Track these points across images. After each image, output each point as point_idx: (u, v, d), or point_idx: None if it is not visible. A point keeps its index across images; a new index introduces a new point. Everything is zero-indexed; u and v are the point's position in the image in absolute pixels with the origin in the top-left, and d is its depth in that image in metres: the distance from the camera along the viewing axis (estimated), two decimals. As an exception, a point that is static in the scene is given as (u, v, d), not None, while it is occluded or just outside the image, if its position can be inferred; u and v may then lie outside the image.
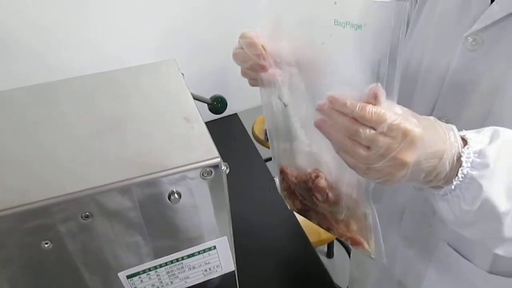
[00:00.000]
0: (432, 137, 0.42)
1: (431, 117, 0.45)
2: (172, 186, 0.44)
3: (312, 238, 0.97)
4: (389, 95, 0.41)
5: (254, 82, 0.59)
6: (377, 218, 0.53)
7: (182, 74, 0.63)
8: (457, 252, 0.66)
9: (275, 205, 0.95)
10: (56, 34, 1.04)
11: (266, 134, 1.78)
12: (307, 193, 0.61)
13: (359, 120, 0.41)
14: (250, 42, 0.52)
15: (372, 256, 0.58)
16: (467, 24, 0.53)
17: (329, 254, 1.91)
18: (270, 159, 2.35)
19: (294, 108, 0.55)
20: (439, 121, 0.45)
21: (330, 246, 1.90)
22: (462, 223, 0.47)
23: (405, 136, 0.40)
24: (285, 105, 0.56)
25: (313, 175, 0.58)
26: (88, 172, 0.44)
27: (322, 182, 0.57)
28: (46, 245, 0.43)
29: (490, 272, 0.63)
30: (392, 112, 0.40)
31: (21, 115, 0.54)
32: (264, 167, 1.08)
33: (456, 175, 0.44)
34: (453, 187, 0.44)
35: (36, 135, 0.50)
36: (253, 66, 0.54)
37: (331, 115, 0.43)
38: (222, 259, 0.53)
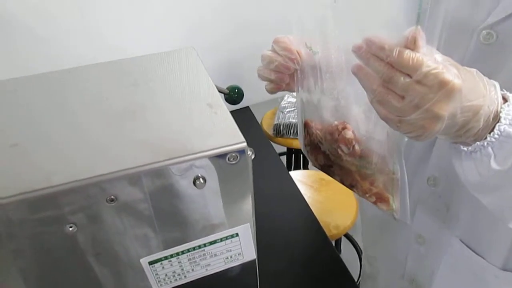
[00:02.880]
0: (471, 90, 0.41)
1: (473, 69, 0.43)
2: (198, 170, 0.44)
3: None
4: (429, 40, 0.39)
5: (273, 86, 0.59)
6: (405, 176, 0.52)
7: (201, 61, 0.63)
8: (470, 248, 0.65)
9: (290, 198, 0.95)
10: (66, 26, 1.04)
11: (274, 130, 1.77)
12: (332, 145, 0.59)
13: (395, 66, 0.39)
14: (285, 46, 0.55)
15: (396, 215, 0.56)
16: (481, 17, 0.52)
17: (337, 250, 1.90)
18: (281, 154, 2.34)
19: (324, 57, 0.53)
20: (480, 74, 0.43)
21: (338, 242, 1.89)
22: (485, 187, 0.46)
23: (443, 87, 0.38)
24: (315, 53, 0.54)
25: (339, 127, 0.56)
26: (113, 156, 0.43)
27: (349, 134, 0.55)
28: (70, 229, 0.43)
29: (503, 269, 0.62)
30: (431, 59, 0.38)
31: (46, 101, 0.54)
32: (278, 160, 1.08)
33: (492, 131, 0.42)
34: (485, 143, 0.43)
35: (60, 119, 0.50)
36: (279, 66, 0.56)
37: (367, 59, 0.41)
38: (244, 246, 0.52)
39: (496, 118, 0.42)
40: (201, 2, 1.14)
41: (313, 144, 0.65)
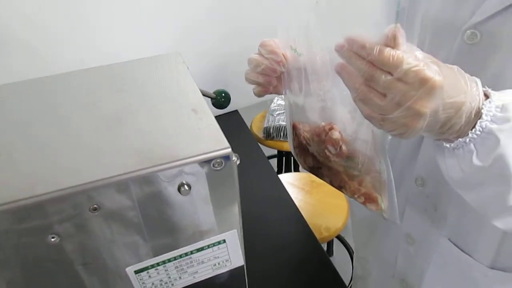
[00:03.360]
0: (452, 86, 0.41)
1: (455, 66, 0.43)
2: (182, 177, 0.43)
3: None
4: (409, 38, 0.39)
5: (260, 89, 0.59)
6: (391, 175, 0.52)
7: (187, 67, 0.62)
8: (458, 247, 0.66)
9: (280, 201, 0.94)
10: (55, 32, 1.03)
11: (264, 133, 1.77)
12: (319, 146, 0.59)
13: (376, 64, 0.39)
14: (271, 49, 0.55)
15: (385, 215, 0.56)
16: (465, 17, 0.52)
17: (329, 252, 1.90)
18: (272, 156, 2.33)
19: (309, 59, 0.54)
20: (462, 71, 0.43)
21: (330, 245, 1.89)
22: (468, 184, 0.46)
23: (423, 84, 0.38)
24: (300, 55, 0.54)
25: (326, 127, 0.56)
26: (96, 164, 0.43)
27: (335, 134, 0.55)
28: (53, 239, 0.42)
29: (492, 268, 0.62)
30: (411, 56, 0.38)
31: (30, 110, 0.53)
32: (267, 164, 1.07)
33: (473, 127, 0.42)
34: (467, 140, 0.43)
35: (44, 127, 0.49)
36: (265, 69, 0.56)
37: (349, 58, 0.41)
38: (231, 253, 0.52)
39: (478, 115, 0.42)
40: (189, 8, 1.14)
41: (302, 146, 0.65)
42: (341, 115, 0.54)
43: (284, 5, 0.54)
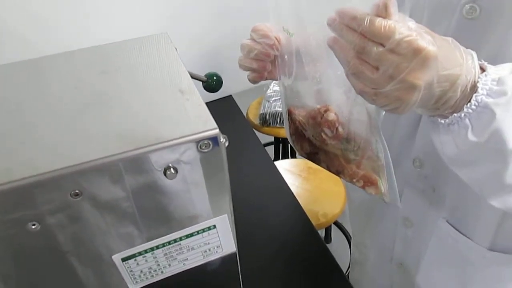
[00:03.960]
0: (447, 58, 0.39)
1: (449, 38, 0.41)
2: (168, 160, 0.41)
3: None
4: (401, 6, 0.37)
5: (255, 75, 0.58)
6: (389, 156, 0.50)
7: (175, 48, 0.60)
8: (457, 229, 0.65)
9: (276, 188, 0.93)
10: (44, 17, 1.00)
11: (261, 119, 1.75)
12: (315, 130, 0.58)
13: (367, 35, 0.37)
14: (263, 33, 0.54)
15: (386, 199, 0.55)
16: None
17: (327, 239, 1.90)
18: (269, 143, 2.32)
19: (302, 40, 0.52)
20: (457, 43, 0.41)
21: (328, 231, 1.88)
22: (464, 161, 0.45)
23: (417, 54, 0.36)
24: (291, 35, 0.53)
25: (322, 110, 0.55)
26: (76, 148, 0.41)
27: (331, 115, 0.54)
28: (33, 227, 0.40)
29: (490, 249, 0.62)
30: (404, 26, 0.37)
31: (12, 92, 0.51)
32: (262, 150, 1.06)
33: (469, 101, 0.41)
34: (462, 115, 0.42)
35: (22, 111, 0.47)
36: (259, 54, 0.55)
37: (340, 30, 0.39)
38: (222, 239, 0.50)
39: (474, 89, 0.41)
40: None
41: (298, 132, 0.63)
42: (337, 96, 0.53)
43: None
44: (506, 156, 0.41)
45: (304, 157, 0.66)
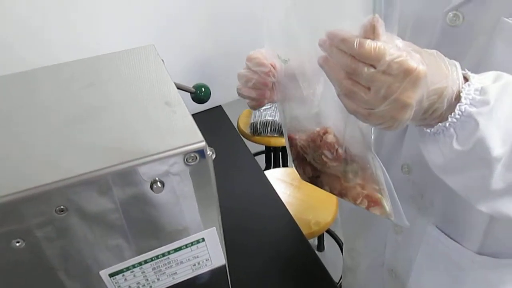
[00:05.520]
0: (435, 73, 0.40)
1: (434, 51, 0.42)
2: (154, 174, 0.41)
3: (302, 231, 0.95)
4: (388, 27, 0.37)
5: (254, 103, 0.58)
6: (388, 176, 0.51)
7: (162, 60, 0.60)
8: (446, 234, 0.65)
9: (266, 198, 0.92)
10: (31, 27, 0.99)
11: (251, 128, 1.75)
12: (316, 153, 0.58)
13: (358, 57, 0.38)
14: (258, 62, 0.54)
15: (392, 218, 0.55)
16: None
17: (320, 247, 1.89)
18: (260, 152, 2.30)
19: (299, 65, 0.52)
20: (441, 55, 0.42)
21: (321, 239, 1.88)
22: (450, 169, 0.45)
23: (407, 75, 0.37)
24: (286, 62, 0.53)
25: (321, 132, 0.55)
26: (62, 162, 0.40)
27: (330, 137, 0.54)
28: (17, 244, 0.40)
29: (479, 253, 0.62)
30: (393, 46, 0.37)
31: (2, 103, 0.51)
32: (252, 160, 1.05)
33: (453, 111, 0.42)
34: (447, 124, 0.42)
35: (8, 125, 0.46)
36: (256, 84, 0.55)
37: (331, 52, 0.40)
38: (211, 252, 0.50)
39: (458, 99, 0.42)
40: (170, 1, 1.12)
41: (300, 157, 0.63)
42: (335, 118, 0.53)
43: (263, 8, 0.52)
44: (491, 164, 0.42)
45: (307, 181, 0.66)
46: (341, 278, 1.54)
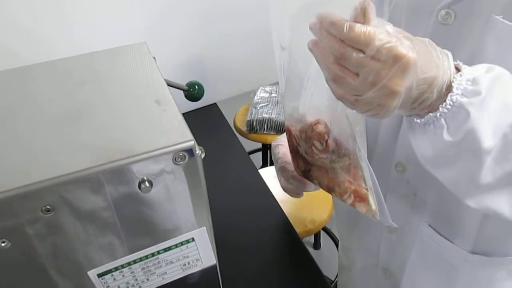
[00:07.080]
0: (425, 61, 0.39)
1: (426, 39, 0.41)
2: (143, 173, 0.41)
3: (298, 229, 0.95)
4: (379, 11, 0.37)
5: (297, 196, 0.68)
6: (374, 175, 0.50)
7: (154, 58, 0.59)
8: (439, 233, 0.65)
9: (260, 197, 0.92)
10: (28, 27, 0.99)
11: (248, 126, 1.74)
12: (307, 145, 0.57)
13: (347, 42, 0.37)
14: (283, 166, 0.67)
15: (377, 217, 0.54)
16: None
17: (316, 245, 1.89)
18: (253, 151, 2.29)
19: (297, 54, 0.51)
20: (433, 44, 0.41)
21: (317, 237, 1.88)
22: (440, 161, 0.45)
23: (397, 62, 0.36)
24: (283, 48, 0.52)
25: (313, 123, 0.54)
26: (52, 160, 0.40)
27: (320, 127, 0.53)
28: (3, 244, 0.39)
29: (472, 252, 0.62)
30: (383, 32, 0.36)
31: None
32: (247, 159, 1.05)
33: (444, 101, 0.41)
34: (438, 114, 0.41)
35: (0, 121, 0.46)
36: (293, 190, 0.67)
37: (320, 36, 0.39)
38: (201, 251, 0.49)
39: (449, 89, 0.41)
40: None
41: (294, 150, 0.63)
42: (327, 107, 0.52)
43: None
44: (480, 156, 0.41)
45: (300, 175, 0.66)
46: (337, 276, 1.54)
